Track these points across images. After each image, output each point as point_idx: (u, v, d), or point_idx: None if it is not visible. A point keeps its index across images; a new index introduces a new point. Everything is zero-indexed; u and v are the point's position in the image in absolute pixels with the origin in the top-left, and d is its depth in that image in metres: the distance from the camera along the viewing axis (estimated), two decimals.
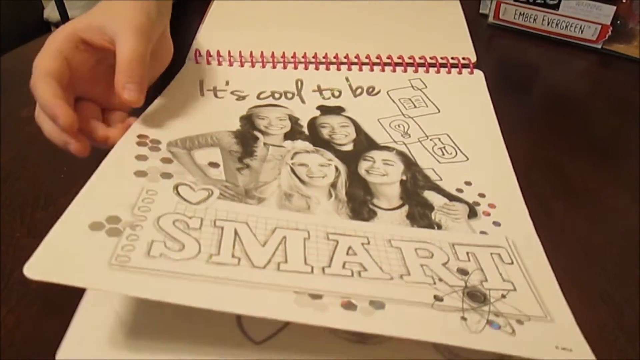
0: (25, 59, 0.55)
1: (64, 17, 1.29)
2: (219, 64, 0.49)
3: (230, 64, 0.49)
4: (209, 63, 0.49)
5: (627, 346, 0.29)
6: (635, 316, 0.30)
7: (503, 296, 0.29)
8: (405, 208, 0.35)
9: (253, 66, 0.49)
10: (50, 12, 1.37)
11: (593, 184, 0.39)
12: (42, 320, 0.30)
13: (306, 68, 0.49)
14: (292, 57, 0.49)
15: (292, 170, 0.37)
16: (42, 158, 0.41)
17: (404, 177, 0.37)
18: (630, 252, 0.34)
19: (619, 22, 0.52)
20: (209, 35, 0.54)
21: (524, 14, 0.57)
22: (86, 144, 0.35)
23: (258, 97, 0.44)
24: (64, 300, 0.30)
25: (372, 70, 0.49)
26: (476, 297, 0.28)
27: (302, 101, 0.45)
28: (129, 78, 0.36)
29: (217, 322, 0.29)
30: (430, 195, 0.36)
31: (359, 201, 0.35)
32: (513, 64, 0.55)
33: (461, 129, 0.42)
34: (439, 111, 0.44)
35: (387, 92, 0.46)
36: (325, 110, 0.44)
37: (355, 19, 0.57)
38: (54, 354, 0.27)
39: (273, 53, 0.50)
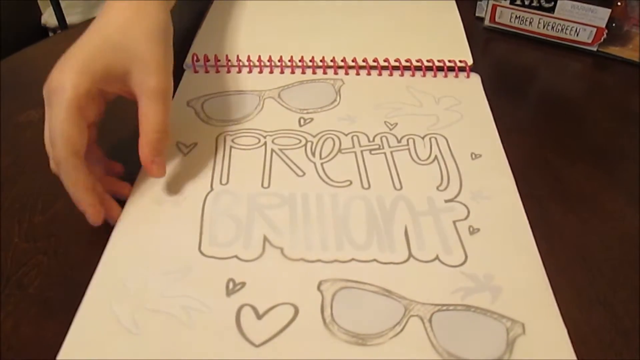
0: (24, 64, 0.56)
1: (62, 23, 1.29)
2: (217, 71, 0.49)
3: (229, 71, 0.49)
4: (207, 71, 0.49)
5: (623, 349, 0.29)
6: (632, 319, 0.30)
7: None
8: None
9: (250, 71, 0.49)
10: (48, 17, 1.37)
11: (589, 187, 0.40)
12: (41, 324, 0.30)
13: (303, 72, 0.49)
14: (289, 60, 0.50)
15: None
16: (40, 163, 0.41)
17: None
18: (627, 255, 0.34)
19: (614, 24, 0.53)
20: (207, 39, 0.54)
21: (519, 17, 0.57)
22: (101, 215, 0.34)
23: None
24: (62, 304, 0.30)
25: (369, 74, 0.49)
26: None
27: None
28: (156, 151, 0.35)
29: (216, 324, 0.29)
30: None
31: None
32: (509, 67, 0.55)
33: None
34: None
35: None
36: None
37: (352, 22, 0.57)
38: (53, 358, 0.27)
39: (270, 57, 0.50)
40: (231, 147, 0.41)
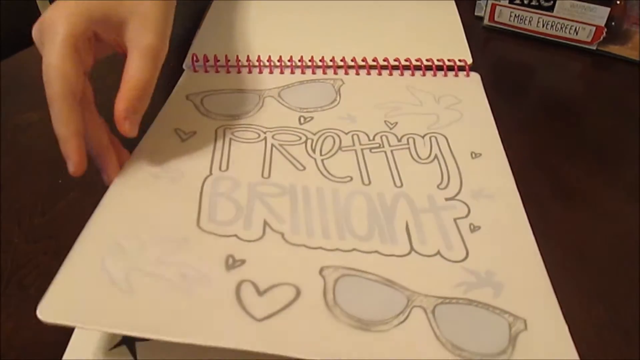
0: (23, 66, 0.56)
1: None
2: (217, 71, 0.49)
3: (228, 71, 0.49)
4: (206, 71, 0.49)
5: (623, 346, 0.29)
6: (632, 316, 0.30)
7: None
8: None
9: (250, 71, 0.49)
10: None
11: (589, 185, 0.40)
12: (41, 326, 0.30)
13: (303, 72, 0.49)
14: (288, 60, 0.50)
15: None
16: (40, 164, 0.41)
17: None
18: (627, 253, 0.34)
19: (613, 23, 0.53)
20: (206, 39, 0.54)
21: (519, 16, 0.57)
22: (84, 164, 0.32)
23: None
24: None
25: (369, 74, 0.49)
26: None
27: None
28: (133, 109, 0.33)
29: (215, 294, 0.28)
30: None
31: None
32: (509, 66, 0.55)
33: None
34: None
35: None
36: None
37: (351, 22, 0.57)
38: (54, 359, 0.27)
39: (270, 57, 0.50)
40: (231, 139, 0.41)
